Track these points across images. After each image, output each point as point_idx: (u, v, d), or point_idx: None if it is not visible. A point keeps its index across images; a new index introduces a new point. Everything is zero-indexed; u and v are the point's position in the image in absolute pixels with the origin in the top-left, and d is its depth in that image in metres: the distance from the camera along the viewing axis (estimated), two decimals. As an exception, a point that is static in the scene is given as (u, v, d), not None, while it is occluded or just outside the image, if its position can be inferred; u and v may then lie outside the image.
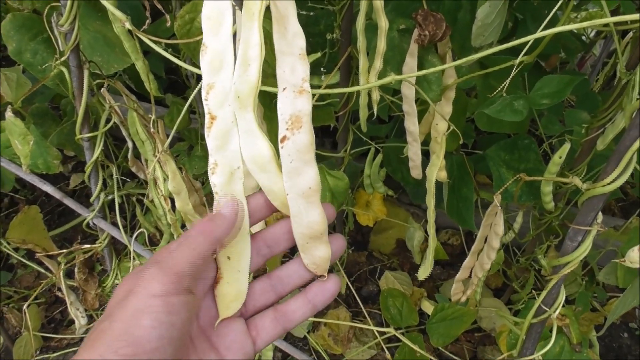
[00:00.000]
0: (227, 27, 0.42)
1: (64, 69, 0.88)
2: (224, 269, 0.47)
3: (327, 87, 0.98)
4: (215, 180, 0.46)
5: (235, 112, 0.43)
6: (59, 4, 0.82)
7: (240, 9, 0.42)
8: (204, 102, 0.44)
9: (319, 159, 1.35)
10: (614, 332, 1.72)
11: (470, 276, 1.04)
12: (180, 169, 0.89)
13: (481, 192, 1.36)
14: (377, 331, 1.08)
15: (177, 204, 0.91)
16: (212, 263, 0.48)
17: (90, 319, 1.30)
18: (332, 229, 1.75)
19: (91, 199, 1.08)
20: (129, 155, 1.14)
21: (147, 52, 1.68)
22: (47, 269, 1.32)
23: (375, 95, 0.94)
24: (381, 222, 1.80)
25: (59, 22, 0.81)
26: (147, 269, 0.41)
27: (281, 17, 0.41)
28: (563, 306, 0.77)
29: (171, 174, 0.86)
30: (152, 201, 1.07)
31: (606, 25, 0.86)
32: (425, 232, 1.50)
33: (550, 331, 0.82)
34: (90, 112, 0.98)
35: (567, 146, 0.89)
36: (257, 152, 0.44)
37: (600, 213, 0.67)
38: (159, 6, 0.79)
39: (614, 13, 1.15)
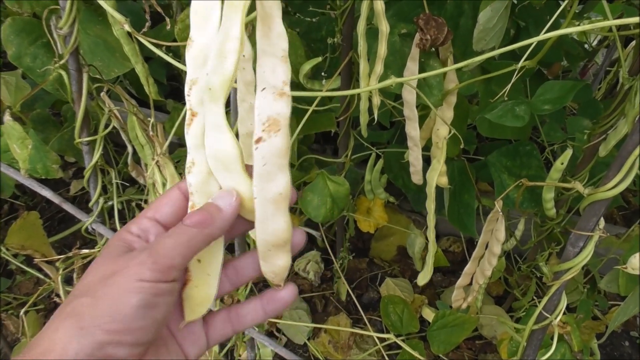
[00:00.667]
0: (213, 22, 0.42)
1: (63, 73, 0.88)
2: (194, 271, 0.46)
3: (328, 91, 0.97)
4: (191, 179, 0.45)
5: (204, 104, 0.42)
6: (58, 7, 0.82)
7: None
8: (186, 98, 0.43)
9: (320, 164, 1.35)
10: (615, 341, 1.71)
11: (471, 283, 1.03)
12: (180, 174, 0.89)
13: (483, 200, 1.35)
14: (378, 338, 1.07)
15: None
16: None
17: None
18: (333, 235, 1.75)
19: (90, 204, 1.08)
20: (129, 159, 1.13)
21: (149, 58, 1.68)
22: (46, 275, 1.31)
23: (376, 100, 0.94)
24: (382, 229, 1.80)
25: (58, 25, 0.81)
26: (138, 254, 0.41)
27: (266, 16, 0.40)
28: (564, 313, 0.77)
29: (170, 178, 0.86)
30: (151, 206, 1.06)
31: (609, 30, 0.86)
32: (426, 237, 1.49)
33: (552, 338, 0.82)
34: (91, 117, 0.98)
35: (569, 152, 0.89)
36: (222, 149, 0.42)
37: (602, 219, 0.66)
38: (159, 10, 0.79)
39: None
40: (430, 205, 0.92)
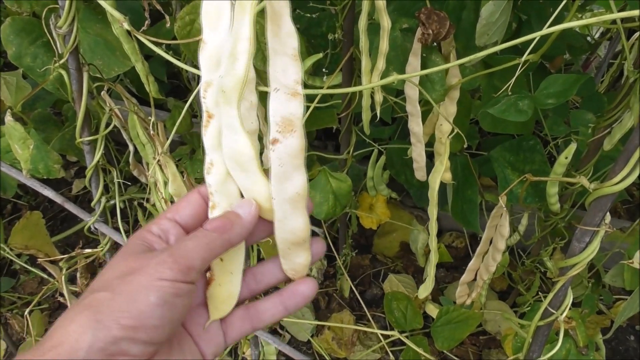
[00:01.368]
0: (225, 22, 0.42)
1: (63, 72, 0.87)
2: (216, 270, 0.47)
3: (329, 88, 0.97)
4: (211, 180, 0.45)
5: (219, 106, 0.42)
6: (58, 6, 0.81)
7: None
8: (202, 100, 0.44)
9: (322, 161, 1.35)
10: (620, 335, 1.70)
11: (475, 279, 1.02)
12: (182, 173, 0.88)
13: (486, 195, 1.35)
14: (382, 334, 1.06)
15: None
16: None
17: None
18: (336, 232, 1.74)
19: (92, 204, 1.07)
20: (131, 158, 1.13)
21: (149, 56, 1.68)
22: (50, 274, 1.31)
23: (378, 97, 0.93)
24: (385, 225, 1.79)
25: (57, 24, 0.80)
26: (159, 254, 0.41)
27: (275, 15, 0.40)
28: (570, 309, 0.76)
29: (171, 177, 0.85)
30: (153, 205, 1.06)
31: (613, 23, 0.85)
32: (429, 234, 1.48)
33: (557, 334, 0.81)
34: (92, 116, 0.98)
35: (573, 146, 0.88)
36: (238, 150, 0.42)
37: (608, 214, 0.66)
38: (159, 7, 0.78)
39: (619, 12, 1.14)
40: (433, 210, 0.89)
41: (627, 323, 1.72)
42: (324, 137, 2.00)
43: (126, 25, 0.70)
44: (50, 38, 0.87)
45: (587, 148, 1.13)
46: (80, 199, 2.17)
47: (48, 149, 1.09)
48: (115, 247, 1.19)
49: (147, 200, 1.10)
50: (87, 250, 1.13)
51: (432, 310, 1.50)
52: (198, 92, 0.45)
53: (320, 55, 0.96)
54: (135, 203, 1.40)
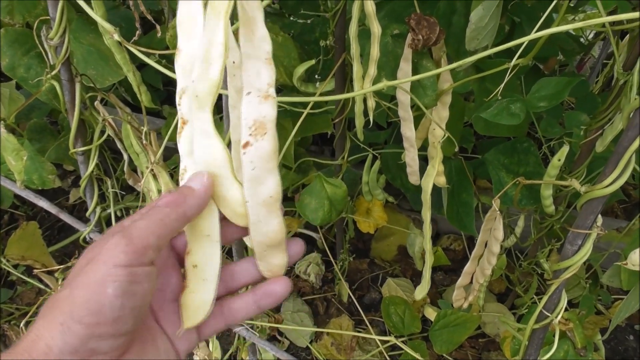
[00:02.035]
0: (199, 30, 0.42)
1: (56, 83, 0.88)
2: (190, 277, 0.46)
3: (322, 94, 0.97)
4: None
5: (192, 111, 0.42)
6: (49, 18, 0.81)
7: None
8: (178, 107, 0.44)
9: (318, 166, 1.35)
10: (619, 335, 1.70)
11: (471, 282, 1.03)
12: (177, 182, 0.88)
13: (481, 197, 1.35)
14: (380, 340, 1.06)
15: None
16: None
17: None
18: (333, 237, 1.74)
19: (87, 214, 1.07)
20: (125, 168, 1.13)
21: (144, 64, 1.68)
22: (47, 285, 1.31)
23: (371, 103, 0.93)
24: (382, 229, 1.79)
25: (49, 35, 0.81)
26: (110, 237, 0.40)
27: (248, 20, 0.40)
28: (567, 310, 0.76)
29: (164, 186, 0.85)
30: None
31: (603, 25, 0.86)
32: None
33: (553, 336, 0.81)
34: (87, 126, 0.98)
35: (565, 149, 0.88)
36: (211, 155, 0.42)
37: (599, 216, 0.66)
38: (150, 18, 0.79)
39: (611, 15, 1.14)
40: (426, 213, 0.90)
41: (626, 322, 1.72)
42: (320, 142, 2.00)
43: (116, 37, 0.70)
44: (42, 49, 0.87)
45: (580, 150, 1.13)
46: (77, 208, 2.16)
47: (42, 159, 1.09)
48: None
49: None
50: (83, 260, 1.12)
51: (431, 313, 1.50)
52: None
53: (313, 61, 0.96)
54: (132, 212, 1.40)
